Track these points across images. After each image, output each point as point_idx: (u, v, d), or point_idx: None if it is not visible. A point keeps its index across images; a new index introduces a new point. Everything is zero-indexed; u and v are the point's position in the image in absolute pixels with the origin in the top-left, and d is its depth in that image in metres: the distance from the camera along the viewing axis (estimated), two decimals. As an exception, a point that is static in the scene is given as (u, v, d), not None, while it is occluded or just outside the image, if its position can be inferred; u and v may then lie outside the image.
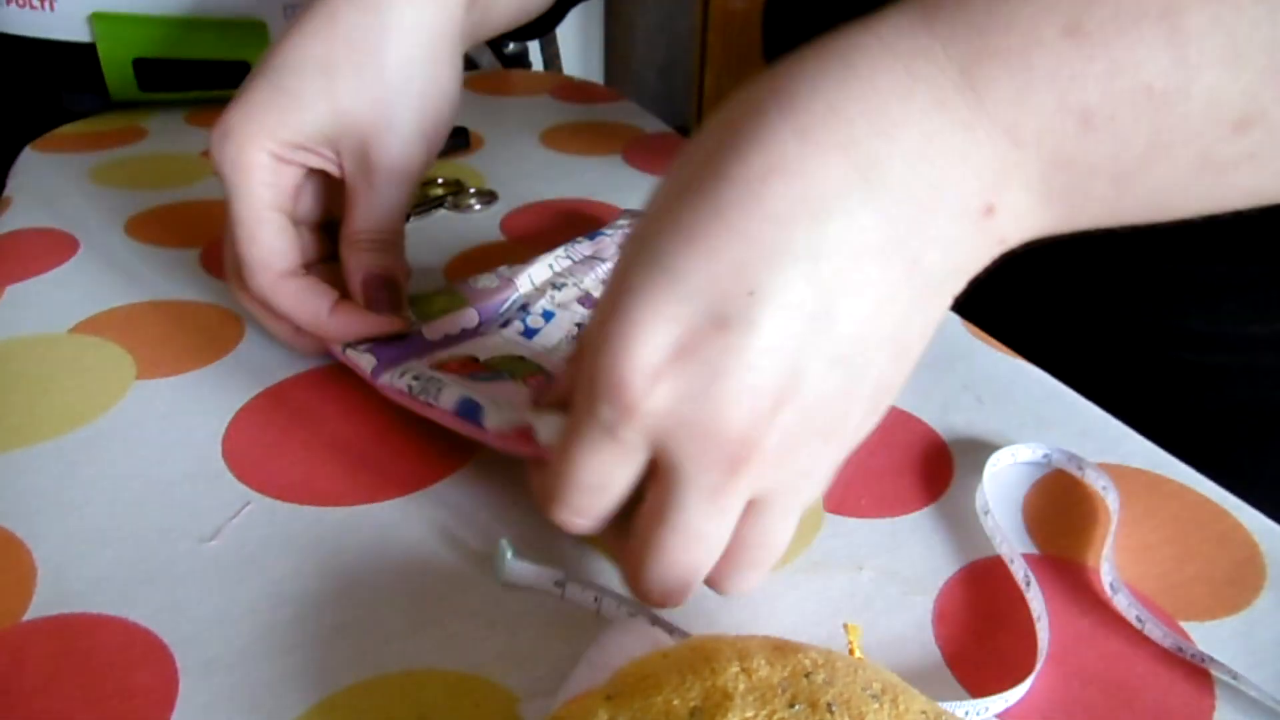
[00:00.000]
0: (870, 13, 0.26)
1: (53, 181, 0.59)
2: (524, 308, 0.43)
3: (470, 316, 0.42)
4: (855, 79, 0.24)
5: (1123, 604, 0.31)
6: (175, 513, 0.34)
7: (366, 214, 0.40)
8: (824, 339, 0.24)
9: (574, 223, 0.57)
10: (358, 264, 0.40)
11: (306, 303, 0.39)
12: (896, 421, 0.40)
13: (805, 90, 0.25)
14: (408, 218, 0.56)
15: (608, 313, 0.25)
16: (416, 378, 0.36)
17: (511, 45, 1.69)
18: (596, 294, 0.44)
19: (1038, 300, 0.55)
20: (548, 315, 0.43)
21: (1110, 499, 0.35)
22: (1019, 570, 0.32)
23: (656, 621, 0.29)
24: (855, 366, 0.25)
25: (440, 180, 0.60)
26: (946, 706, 0.25)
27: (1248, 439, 0.51)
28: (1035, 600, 0.31)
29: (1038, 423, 0.40)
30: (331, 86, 0.38)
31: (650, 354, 0.24)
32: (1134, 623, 0.31)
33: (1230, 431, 0.51)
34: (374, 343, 0.39)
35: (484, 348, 0.40)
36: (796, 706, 0.21)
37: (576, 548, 0.33)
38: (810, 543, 0.34)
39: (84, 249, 0.51)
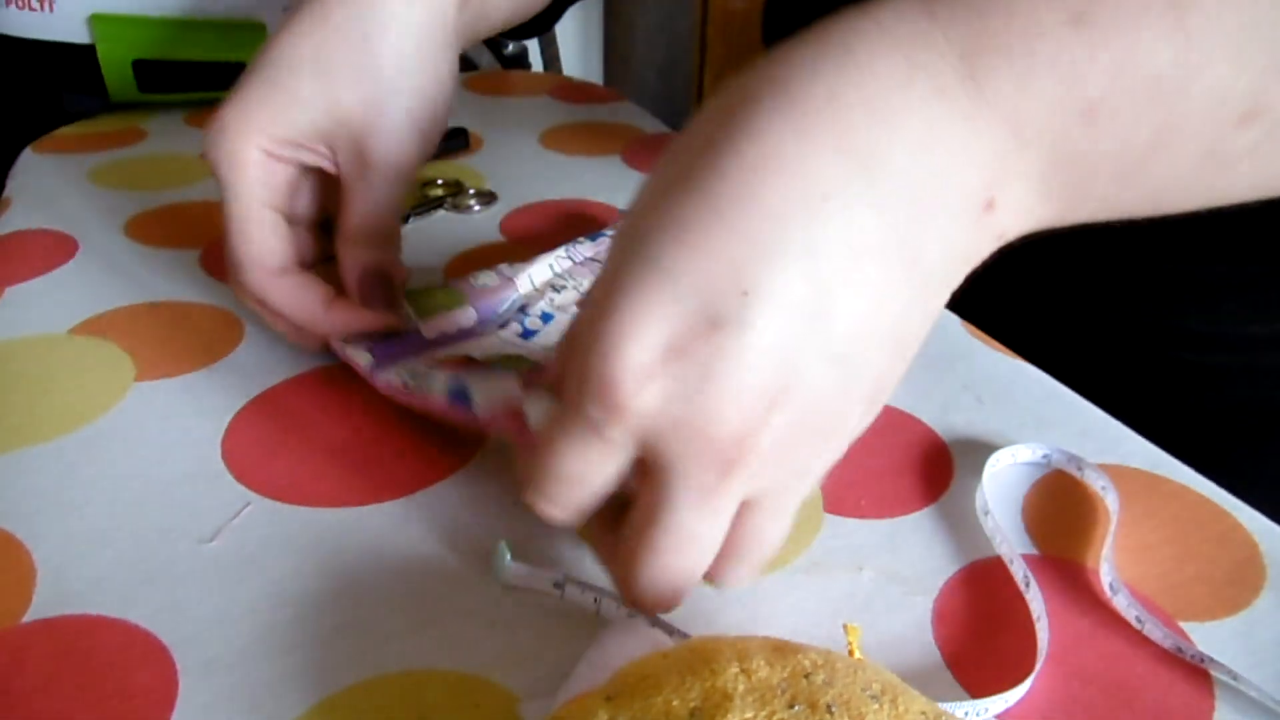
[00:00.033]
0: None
1: (53, 182, 0.59)
2: (523, 309, 0.43)
3: (469, 315, 0.42)
4: (854, 66, 0.24)
5: (1122, 604, 0.31)
6: (175, 513, 0.34)
7: (362, 210, 0.40)
8: (821, 338, 0.24)
9: (574, 223, 0.57)
10: (353, 260, 0.40)
11: (301, 299, 0.39)
12: (896, 421, 0.40)
13: (802, 78, 0.24)
14: (407, 218, 0.56)
15: (598, 309, 0.24)
16: (413, 375, 0.36)
17: (511, 46, 1.69)
18: None
19: (1038, 300, 0.55)
20: (546, 317, 0.43)
21: (1110, 499, 0.35)
22: (1019, 570, 0.32)
23: (656, 622, 0.29)
24: (853, 365, 0.25)
25: (440, 181, 0.60)
26: (946, 707, 0.25)
27: (1248, 439, 0.51)
28: (1035, 600, 0.31)
29: (1038, 423, 0.40)
30: (325, 83, 0.38)
31: (641, 353, 0.24)
32: (1134, 623, 0.31)
33: (1230, 431, 0.51)
34: (372, 340, 0.39)
35: (481, 348, 0.40)
36: (796, 707, 0.21)
37: (575, 549, 0.33)
38: (810, 543, 0.34)
39: (84, 249, 0.51)
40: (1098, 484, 0.36)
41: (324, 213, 0.43)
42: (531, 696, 0.28)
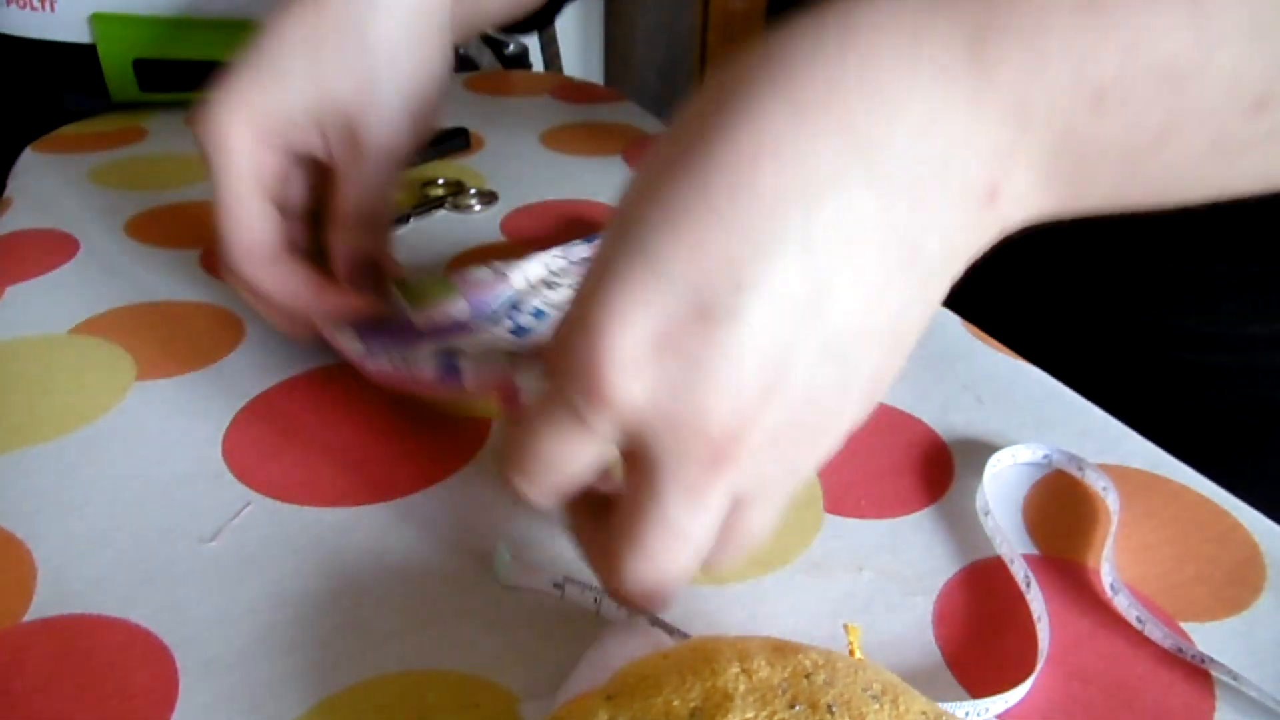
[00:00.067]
0: None
1: (53, 182, 0.59)
2: (515, 306, 0.43)
3: (461, 307, 0.41)
4: (854, 50, 0.23)
5: (1123, 604, 0.31)
6: (175, 513, 0.34)
7: (353, 195, 0.40)
8: (815, 331, 0.23)
9: (574, 223, 0.57)
10: (343, 245, 0.40)
11: (291, 285, 0.39)
12: (896, 421, 0.40)
13: (801, 61, 0.23)
14: (407, 218, 0.56)
15: (587, 297, 0.24)
16: (403, 358, 0.36)
17: (511, 46, 1.69)
18: None
19: (1038, 300, 0.55)
20: (539, 314, 0.43)
21: (1110, 499, 0.35)
22: (1019, 571, 0.32)
23: (656, 622, 0.29)
24: (848, 359, 0.24)
25: (440, 180, 0.60)
26: (946, 707, 0.25)
27: (1248, 439, 0.51)
28: (1035, 601, 0.31)
29: (1038, 423, 0.40)
30: (316, 66, 0.38)
31: (628, 345, 0.23)
32: (1134, 623, 0.31)
33: (1230, 431, 0.51)
34: (362, 328, 0.39)
35: (472, 344, 0.40)
36: (797, 707, 0.21)
37: (575, 549, 0.33)
38: (810, 543, 0.34)
39: (84, 249, 0.51)
40: (1098, 484, 0.36)
41: (315, 204, 0.42)
42: (531, 696, 0.28)
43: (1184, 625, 0.31)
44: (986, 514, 0.35)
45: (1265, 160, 0.26)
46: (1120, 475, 0.37)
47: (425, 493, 0.36)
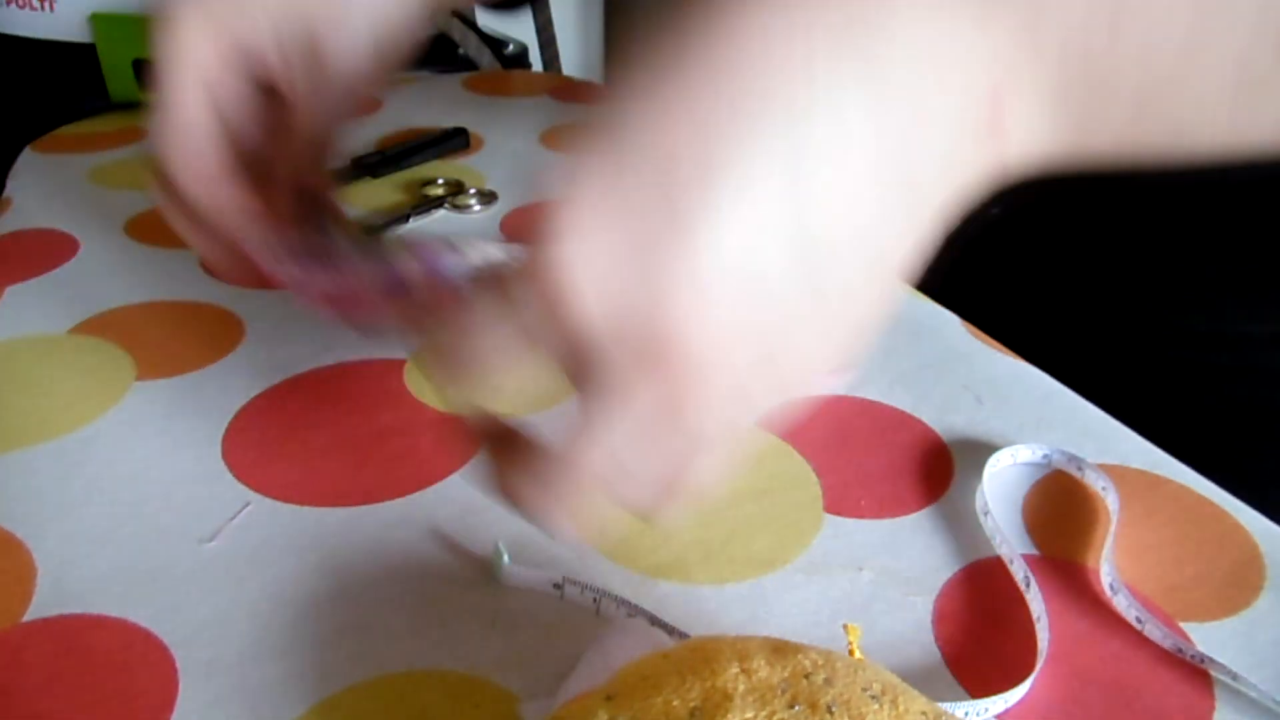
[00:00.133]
0: None
1: (53, 182, 0.59)
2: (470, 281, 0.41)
3: (414, 268, 0.40)
4: None
5: (1122, 604, 0.31)
6: (175, 513, 0.34)
7: (304, 124, 0.38)
8: (793, 249, 0.21)
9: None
10: (289, 177, 0.39)
11: (229, 205, 0.37)
12: (896, 421, 0.40)
13: None
14: (407, 218, 0.56)
15: (551, 197, 0.22)
16: (343, 279, 0.35)
17: (511, 46, 1.69)
18: None
19: (1038, 300, 0.55)
20: None
21: (1110, 499, 0.35)
22: (1019, 571, 0.32)
23: (656, 622, 0.29)
24: (824, 279, 0.22)
25: (440, 180, 0.60)
26: (946, 707, 0.25)
27: (1248, 439, 0.51)
28: (1035, 601, 0.31)
29: (1038, 423, 0.40)
30: None
31: (587, 247, 0.21)
32: (1134, 623, 0.31)
33: (1230, 431, 0.51)
34: (300, 257, 0.37)
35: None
36: (796, 707, 0.21)
37: (575, 549, 0.33)
38: (810, 543, 0.34)
39: (84, 249, 0.51)
40: (1098, 484, 0.36)
41: (260, 150, 0.40)
42: (531, 696, 0.28)
43: (1184, 625, 0.31)
44: (986, 514, 0.35)
45: None
46: (1120, 475, 0.37)
47: (425, 493, 0.36)
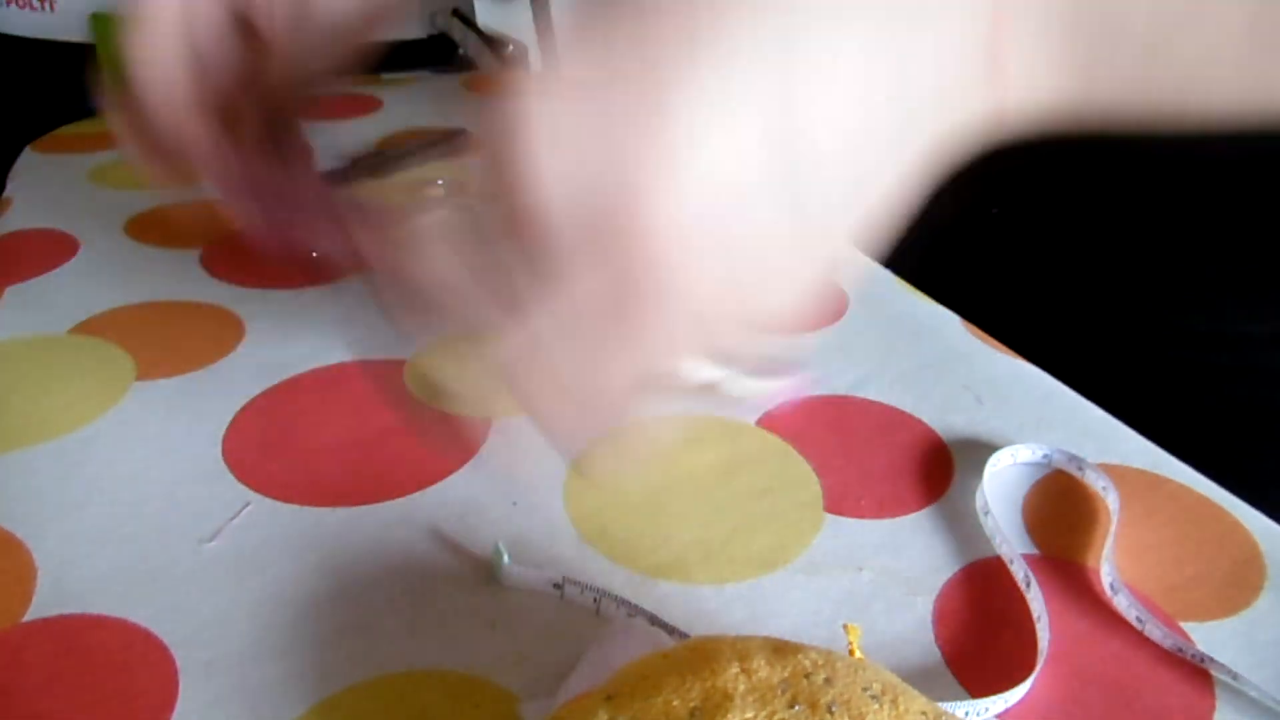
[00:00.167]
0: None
1: (53, 181, 0.59)
2: None
3: (371, 208, 0.38)
4: None
5: (1123, 604, 0.31)
6: (175, 513, 0.34)
7: (280, 65, 0.37)
8: (775, 161, 0.20)
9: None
10: (258, 112, 0.37)
11: (192, 131, 0.35)
12: (896, 421, 0.40)
13: None
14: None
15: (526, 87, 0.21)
16: (298, 216, 0.34)
17: (511, 47, 1.69)
18: None
19: (1038, 300, 0.55)
20: None
21: (1110, 499, 0.35)
22: (1019, 570, 0.32)
23: (656, 622, 0.29)
24: (804, 202, 0.21)
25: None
26: (946, 707, 0.25)
27: (1248, 439, 0.51)
28: (1035, 600, 0.31)
29: (1038, 423, 0.40)
30: None
31: (557, 125, 0.20)
32: (1134, 623, 0.31)
33: (1230, 431, 0.51)
34: (257, 191, 0.36)
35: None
36: (796, 707, 0.21)
37: (575, 549, 0.33)
38: (810, 543, 0.34)
39: (84, 249, 0.51)
40: (1098, 484, 0.36)
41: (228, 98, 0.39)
42: (531, 696, 0.28)
43: (1184, 625, 0.31)
44: (986, 514, 0.35)
45: None
46: (1120, 475, 0.37)
47: (425, 493, 0.35)
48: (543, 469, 0.36)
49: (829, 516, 0.35)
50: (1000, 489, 0.37)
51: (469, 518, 0.34)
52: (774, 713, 0.20)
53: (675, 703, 0.21)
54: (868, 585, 0.32)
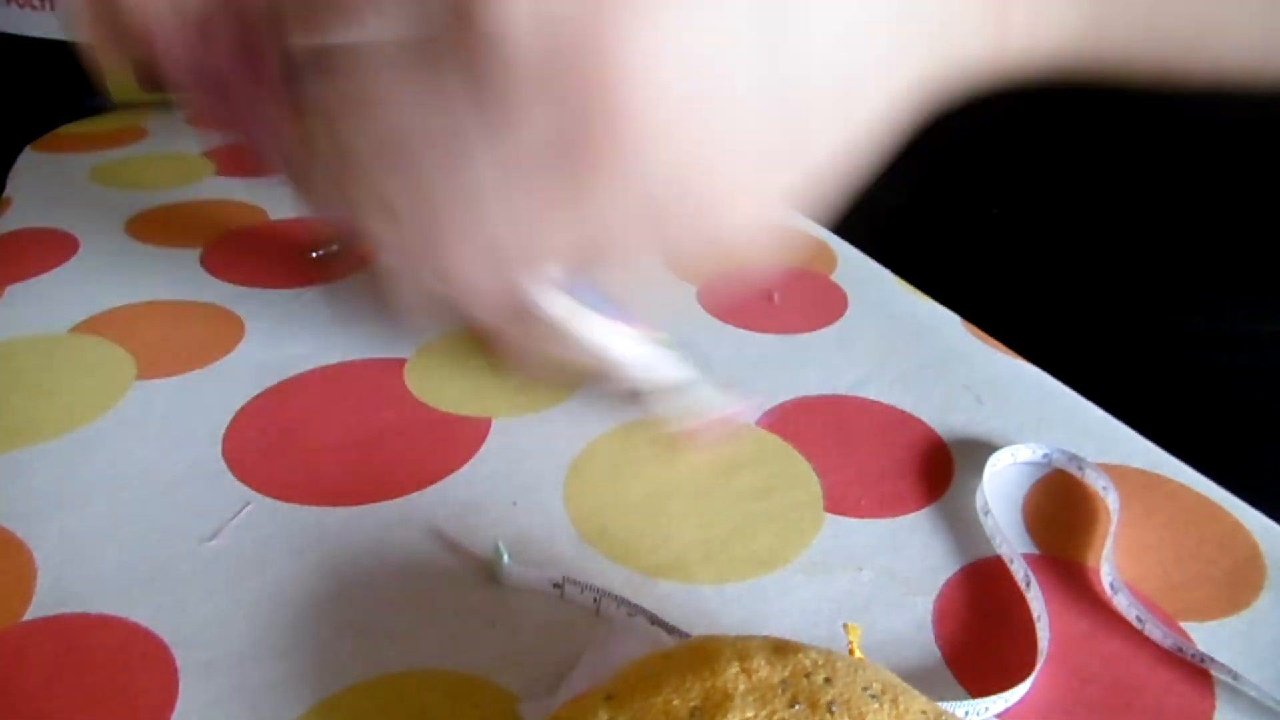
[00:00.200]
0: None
1: (53, 181, 0.59)
2: None
3: None
4: None
5: (1123, 604, 0.31)
6: (175, 513, 0.34)
7: None
8: (763, 49, 0.19)
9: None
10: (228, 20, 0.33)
11: (179, 37, 0.32)
12: (896, 421, 0.40)
13: None
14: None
15: None
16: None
17: None
18: None
19: (1038, 300, 0.55)
20: None
21: (1110, 499, 0.35)
22: (1019, 570, 0.32)
23: (656, 622, 0.29)
24: (786, 97, 0.19)
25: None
26: (946, 706, 0.25)
27: (1248, 439, 0.51)
28: (1035, 600, 0.31)
29: (1038, 423, 0.40)
30: None
31: None
32: (1134, 623, 0.31)
33: (1230, 431, 0.51)
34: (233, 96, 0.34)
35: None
36: (797, 707, 0.21)
37: (575, 549, 0.33)
38: (810, 543, 0.34)
39: (84, 249, 0.51)
40: (1098, 484, 0.36)
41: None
42: (531, 696, 0.28)
43: (1184, 625, 0.31)
44: (986, 513, 0.35)
45: None
46: (1120, 475, 0.37)
47: (425, 492, 0.36)
48: (543, 469, 0.37)
49: (829, 516, 0.35)
50: (1000, 489, 0.37)
51: (469, 518, 0.34)
52: (774, 712, 0.20)
53: (675, 702, 0.21)
54: (868, 585, 0.32)
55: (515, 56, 0.18)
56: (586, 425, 0.39)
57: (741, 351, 0.45)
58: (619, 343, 0.36)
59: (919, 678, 0.28)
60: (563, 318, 0.32)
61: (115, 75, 0.67)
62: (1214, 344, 0.50)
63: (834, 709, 0.21)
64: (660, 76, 0.18)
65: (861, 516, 0.35)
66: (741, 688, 0.21)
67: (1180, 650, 0.30)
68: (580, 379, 0.36)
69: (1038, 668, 0.29)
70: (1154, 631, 0.30)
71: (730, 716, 0.20)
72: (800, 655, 0.22)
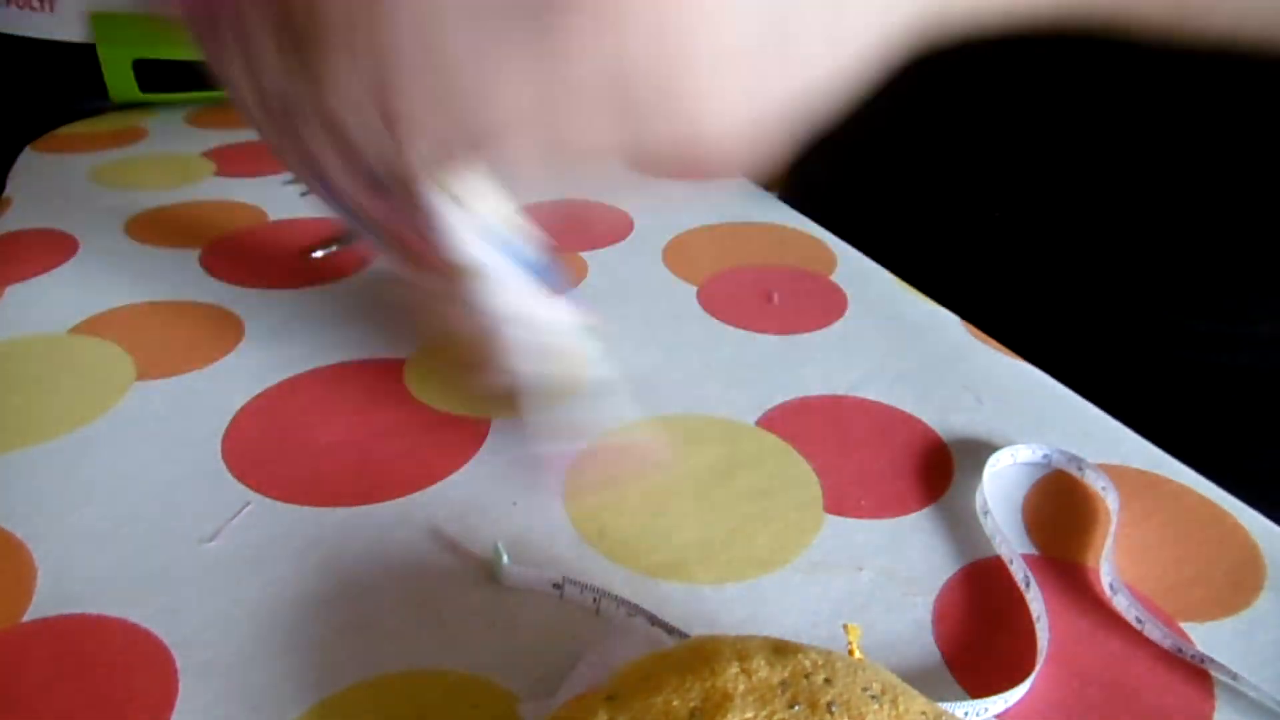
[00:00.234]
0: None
1: (53, 181, 0.59)
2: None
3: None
4: None
5: (1122, 604, 0.31)
6: (175, 513, 0.34)
7: None
8: None
9: (574, 223, 0.57)
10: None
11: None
12: (896, 421, 0.40)
13: None
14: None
15: None
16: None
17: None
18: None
19: (1038, 300, 0.55)
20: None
21: (1110, 499, 0.35)
22: (1019, 570, 0.32)
23: (656, 622, 0.29)
24: (782, 15, 0.18)
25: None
26: (946, 707, 0.25)
27: (1248, 439, 0.51)
28: (1035, 600, 0.31)
29: (1038, 423, 0.40)
30: None
31: None
32: (1134, 623, 0.31)
33: (1230, 431, 0.51)
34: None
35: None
36: (796, 707, 0.21)
37: (575, 549, 0.33)
38: (810, 543, 0.34)
39: (84, 249, 0.51)
40: (1098, 484, 0.36)
41: None
42: (531, 696, 0.28)
43: (1184, 625, 0.31)
44: (986, 514, 0.35)
45: None
46: (1120, 475, 0.37)
47: (425, 493, 0.36)
48: (543, 469, 0.36)
49: (829, 516, 0.35)
50: (1000, 489, 0.37)
51: (469, 518, 0.34)
52: (774, 713, 0.20)
53: (675, 703, 0.21)
54: (867, 585, 0.32)
55: None
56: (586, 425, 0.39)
57: (741, 351, 0.45)
58: (537, 308, 0.32)
59: (919, 678, 0.28)
60: (485, 264, 0.30)
61: (115, 75, 0.67)
62: (1214, 344, 0.50)
63: (834, 709, 0.21)
64: None
65: (861, 517, 0.35)
66: (741, 688, 0.21)
67: (1180, 651, 0.30)
68: (483, 372, 0.34)
69: (1037, 668, 0.29)
70: (1154, 632, 0.30)
71: (730, 717, 0.20)
72: (800, 656, 0.22)
